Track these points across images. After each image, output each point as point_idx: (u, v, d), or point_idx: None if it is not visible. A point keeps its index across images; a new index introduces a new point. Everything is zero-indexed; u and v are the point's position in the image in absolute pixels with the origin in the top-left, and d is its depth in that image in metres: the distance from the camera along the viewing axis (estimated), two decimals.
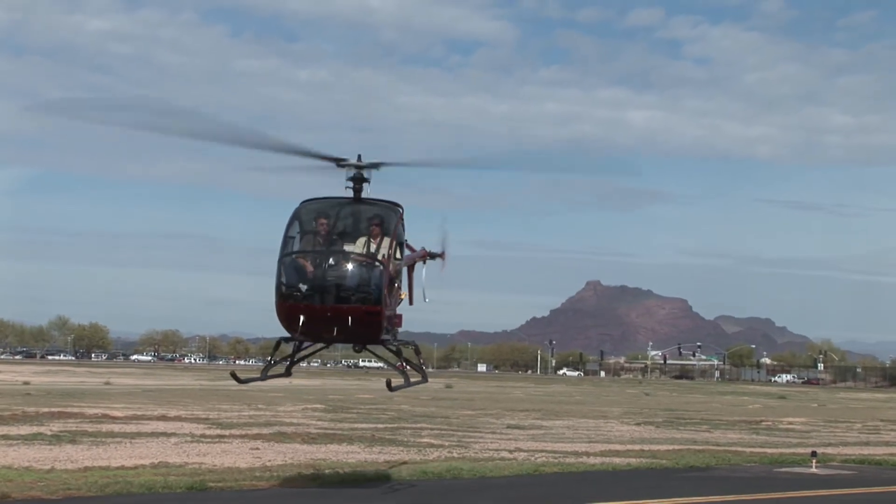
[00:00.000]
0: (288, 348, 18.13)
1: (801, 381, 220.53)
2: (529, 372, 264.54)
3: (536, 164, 19.35)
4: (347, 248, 16.69)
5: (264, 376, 18.22)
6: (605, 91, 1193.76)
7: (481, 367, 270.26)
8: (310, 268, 16.26)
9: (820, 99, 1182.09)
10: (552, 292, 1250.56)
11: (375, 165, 17.03)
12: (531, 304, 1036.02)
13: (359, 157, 16.88)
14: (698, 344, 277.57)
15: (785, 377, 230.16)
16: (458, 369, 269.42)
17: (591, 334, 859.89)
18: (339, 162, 16.94)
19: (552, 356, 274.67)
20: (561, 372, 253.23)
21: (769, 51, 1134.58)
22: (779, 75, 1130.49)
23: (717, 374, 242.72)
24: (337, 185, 17.30)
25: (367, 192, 17.21)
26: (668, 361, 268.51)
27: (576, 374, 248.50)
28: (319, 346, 17.68)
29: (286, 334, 17.00)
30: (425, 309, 18.56)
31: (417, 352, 18.04)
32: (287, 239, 16.60)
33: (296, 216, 16.86)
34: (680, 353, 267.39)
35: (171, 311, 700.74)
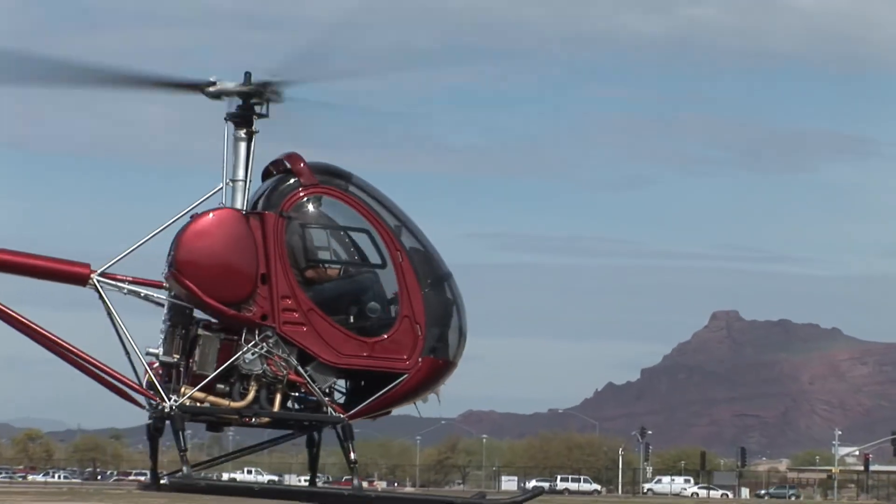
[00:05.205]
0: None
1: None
2: (603, 491, 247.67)
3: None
4: None
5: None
6: None
7: (510, 481, 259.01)
8: (460, 310, 23.58)
9: None
10: (646, 335, 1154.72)
11: (275, 89, 18.81)
12: (604, 359, 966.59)
13: (247, 76, 18.90)
14: None
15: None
16: (462, 486, 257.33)
17: (721, 414, 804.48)
18: (206, 87, 18.72)
19: (646, 458, 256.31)
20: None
21: None
22: None
23: None
24: None
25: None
26: (872, 468, 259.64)
27: (704, 491, 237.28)
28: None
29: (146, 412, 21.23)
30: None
31: (349, 436, 22.25)
32: (423, 259, 22.94)
33: (399, 217, 23.23)
34: None
35: None
